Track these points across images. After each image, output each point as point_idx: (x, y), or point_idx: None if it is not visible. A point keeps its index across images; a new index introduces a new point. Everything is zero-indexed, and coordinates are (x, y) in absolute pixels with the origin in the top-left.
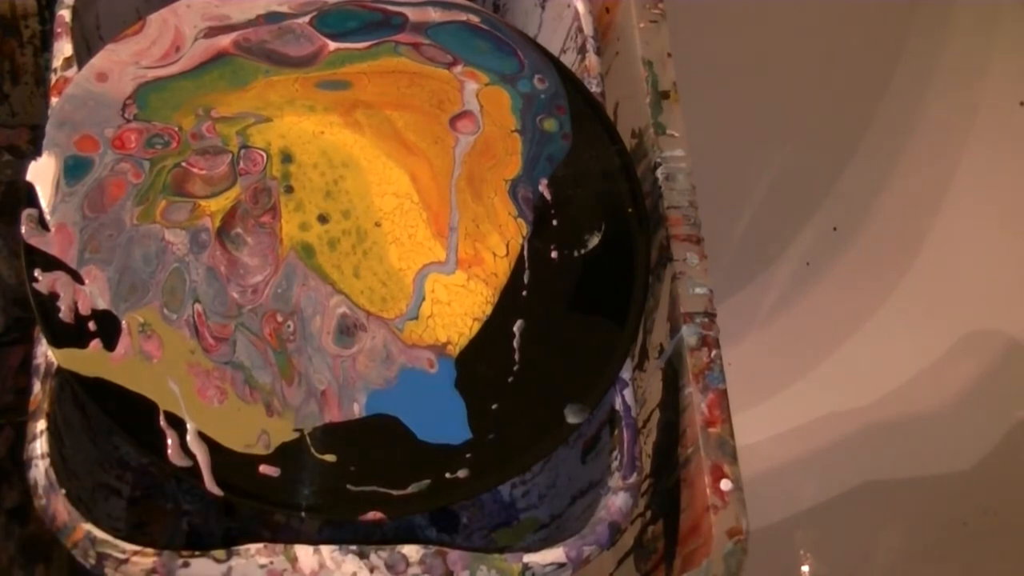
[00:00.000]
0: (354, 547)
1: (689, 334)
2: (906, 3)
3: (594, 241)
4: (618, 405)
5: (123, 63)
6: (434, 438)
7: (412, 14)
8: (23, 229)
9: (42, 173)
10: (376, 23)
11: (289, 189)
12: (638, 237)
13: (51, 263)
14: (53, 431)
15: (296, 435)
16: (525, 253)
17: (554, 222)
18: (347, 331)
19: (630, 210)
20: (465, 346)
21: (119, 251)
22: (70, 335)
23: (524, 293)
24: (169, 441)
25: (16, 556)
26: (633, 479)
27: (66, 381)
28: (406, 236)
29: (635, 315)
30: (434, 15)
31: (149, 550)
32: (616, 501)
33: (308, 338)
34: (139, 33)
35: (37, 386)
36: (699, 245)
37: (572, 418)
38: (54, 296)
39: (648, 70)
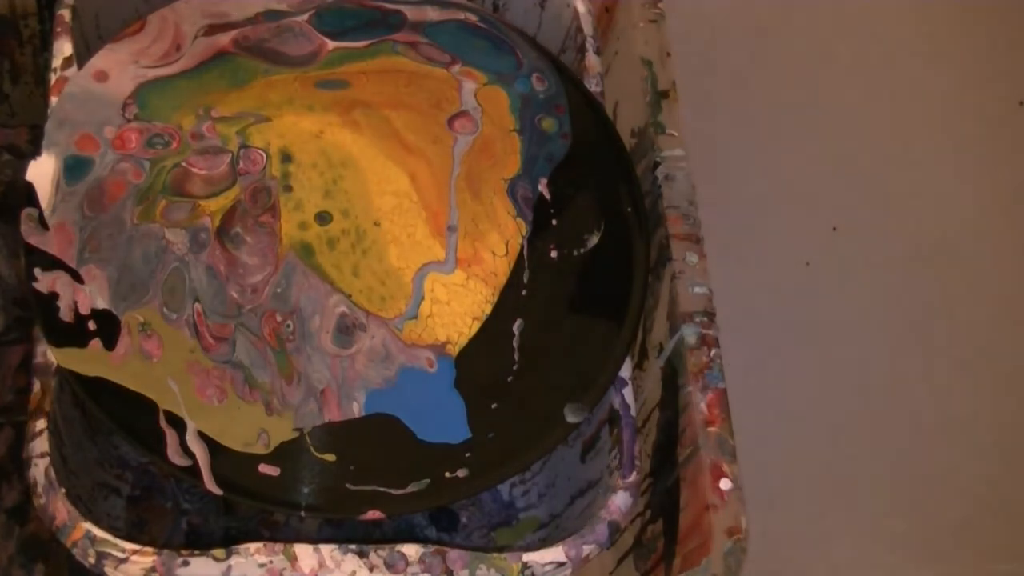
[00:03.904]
0: (354, 546)
1: (689, 333)
2: (906, 3)
3: (593, 240)
4: (617, 404)
5: (123, 62)
6: (433, 437)
7: (410, 13)
8: (23, 228)
9: (42, 172)
10: (374, 22)
11: (288, 188)
12: (637, 236)
13: (51, 262)
14: (53, 430)
15: (296, 434)
16: (524, 252)
17: (553, 221)
18: (346, 331)
19: (629, 209)
20: (465, 345)
21: (119, 250)
22: (70, 334)
23: (523, 292)
24: (169, 440)
25: (16, 555)
26: (632, 478)
27: (66, 380)
28: (405, 235)
29: (634, 314)
30: (432, 14)
31: (148, 549)
32: (615, 500)
33: (307, 337)
34: (139, 32)
35: (37, 385)
36: (699, 244)
37: (571, 417)
38: (54, 295)
39: (648, 69)
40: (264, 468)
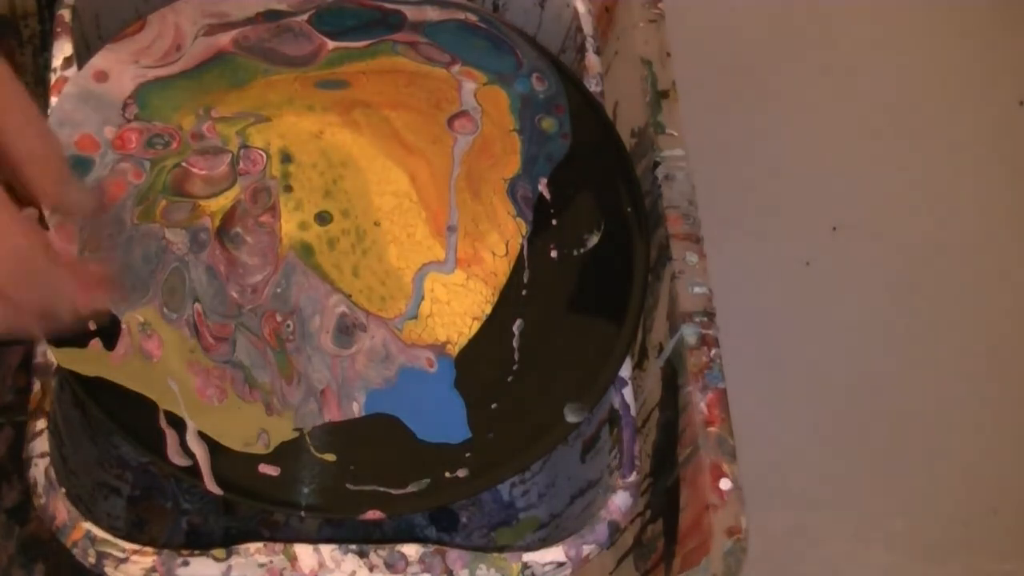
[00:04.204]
0: (354, 546)
1: (689, 333)
2: (906, 3)
3: (593, 240)
4: (617, 404)
5: (123, 62)
6: (433, 437)
7: (410, 12)
8: None
9: None
10: (374, 22)
11: (288, 188)
12: (637, 236)
13: None
14: (53, 430)
15: (296, 434)
16: (524, 252)
17: (553, 221)
18: (346, 331)
19: (629, 209)
20: (464, 345)
21: (119, 250)
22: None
23: (523, 292)
24: (169, 440)
25: (16, 555)
26: (632, 478)
27: (66, 380)
28: (405, 235)
29: (634, 314)
30: (432, 14)
31: (149, 549)
32: (615, 500)
33: (307, 337)
34: (139, 32)
35: (37, 385)
36: (698, 244)
37: (571, 417)
38: None
39: (647, 69)
40: (264, 468)
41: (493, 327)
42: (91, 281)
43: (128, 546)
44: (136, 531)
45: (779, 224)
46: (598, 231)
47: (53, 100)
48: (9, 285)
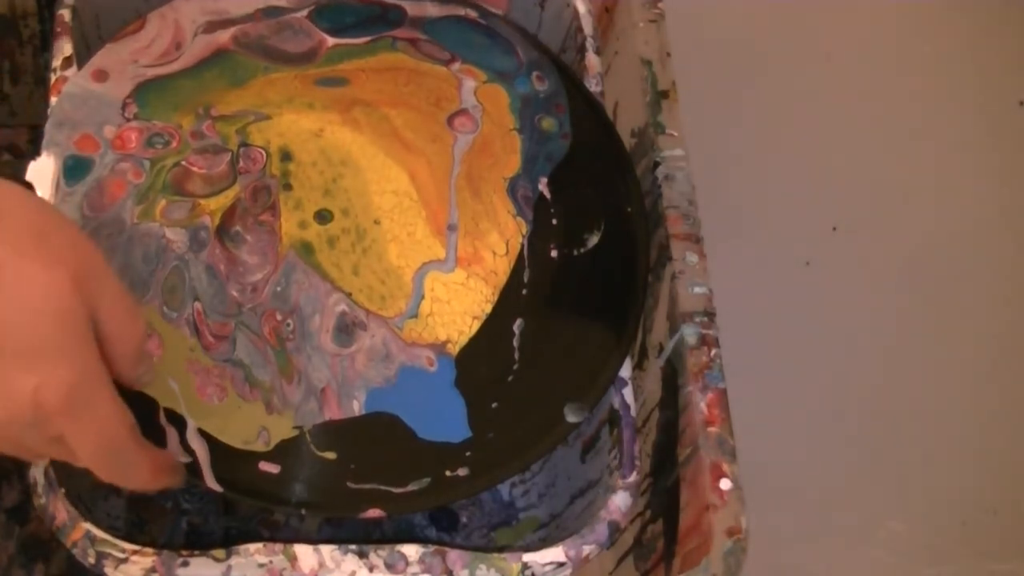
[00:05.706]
0: (354, 546)
1: (689, 333)
2: (906, 3)
3: (594, 240)
4: (617, 404)
5: (123, 62)
6: (434, 436)
7: (410, 8)
8: None
9: (42, 173)
10: (374, 17)
11: (288, 187)
12: (637, 236)
13: None
14: None
15: (296, 432)
16: (525, 252)
17: (554, 221)
18: (346, 329)
19: (629, 209)
20: (465, 344)
21: (119, 250)
22: None
23: (524, 292)
24: (169, 437)
25: (16, 555)
26: (632, 478)
27: None
28: (405, 234)
29: (634, 314)
30: (432, 10)
31: (149, 549)
32: (615, 500)
33: (307, 336)
34: (139, 31)
35: None
36: (698, 244)
37: (571, 417)
38: None
39: (647, 69)
40: (264, 466)
41: (493, 326)
42: (164, 467)
43: (128, 546)
44: (136, 531)
45: (779, 224)
46: (598, 231)
47: (53, 100)
48: (92, 458)
